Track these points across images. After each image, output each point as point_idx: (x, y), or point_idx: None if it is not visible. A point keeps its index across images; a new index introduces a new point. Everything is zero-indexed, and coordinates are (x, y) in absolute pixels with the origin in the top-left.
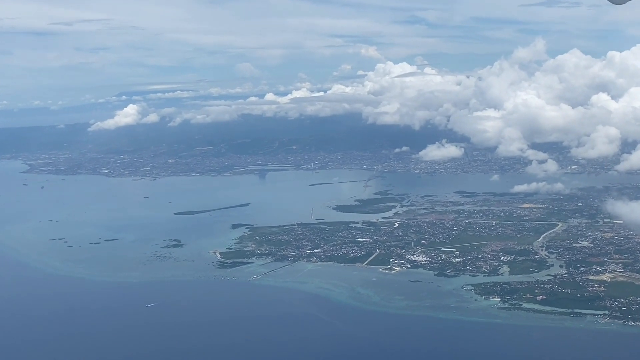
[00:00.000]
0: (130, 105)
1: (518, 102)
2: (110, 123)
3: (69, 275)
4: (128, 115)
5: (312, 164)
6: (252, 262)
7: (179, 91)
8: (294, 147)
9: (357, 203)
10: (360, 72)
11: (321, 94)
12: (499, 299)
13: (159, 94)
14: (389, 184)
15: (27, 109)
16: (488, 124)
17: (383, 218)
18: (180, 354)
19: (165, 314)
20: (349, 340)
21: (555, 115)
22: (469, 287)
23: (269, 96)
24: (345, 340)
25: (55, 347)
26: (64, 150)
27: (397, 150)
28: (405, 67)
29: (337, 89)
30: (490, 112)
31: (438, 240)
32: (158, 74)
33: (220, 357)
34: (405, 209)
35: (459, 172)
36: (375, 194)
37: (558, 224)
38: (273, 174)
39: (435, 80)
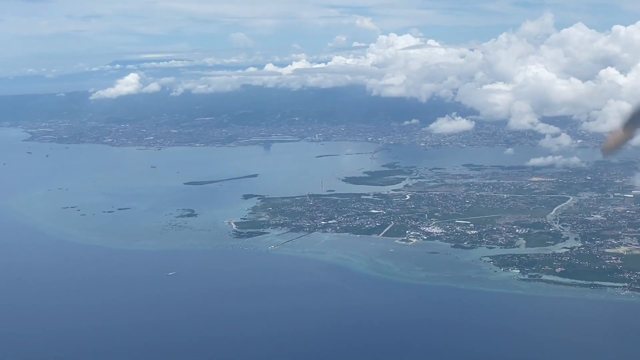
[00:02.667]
0: (132, 74)
1: (528, 76)
2: (111, 92)
3: (87, 243)
4: (129, 84)
5: (316, 135)
6: (268, 233)
7: (173, 60)
8: (296, 119)
9: (365, 175)
10: (355, 44)
11: (322, 65)
12: (518, 271)
13: (153, 63)
14: (396, 156)
15: (22, 76)
16: (498, 97)
17: (393, 190)
18: (204, 321)
19: (186, 283)
20: (372, 310)
21: (565, 89)
22: (487, 258)
23: (269, 67)
24: (367, 309)
25: (79, 314)
26: (64, 118)
27: (406, 122)
28: (409, 39)
29: (338, 60)
30: (500, 86)
31: (451, 213)
32: (150, 42)
33: (244, 325)
34: (414, 181)
35: (464, 145)
36: (383, 166)
37: (569, 198)
38: (278, 145)
39: (439, 53)
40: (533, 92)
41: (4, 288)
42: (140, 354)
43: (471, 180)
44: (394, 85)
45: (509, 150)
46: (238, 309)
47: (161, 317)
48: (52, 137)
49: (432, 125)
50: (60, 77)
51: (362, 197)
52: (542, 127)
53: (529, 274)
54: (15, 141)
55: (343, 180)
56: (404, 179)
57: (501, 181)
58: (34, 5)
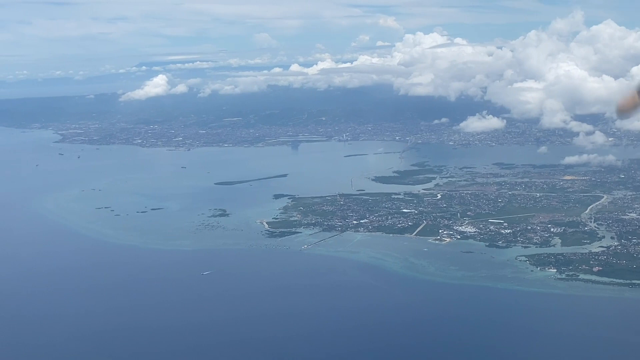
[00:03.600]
0: (160, 75)
1: (560, 73)
2: (140, 93)
3: (122, 243)
4: (158, 85)
5: (343, 135)
6: (301, 232)
7: (198, 62)
8: (323, 119)
9: (395, 174)
10: (379, 43)
11: (348, 64)
12: (555, 270)
13: (178, 65)
14: (425, 155)
15: (51, 79)
16: (529, 95)
17: (424, 189)
18: (243, 321)
19: (221, 282)
20: (409, 309)
21: (597, 87)
22: (523, 258)
23: (295, 67)
24: (404, 308)
25: (121, 314)
26: (94, 120)
27: (435, 121)
28: (436, 38)
29: (364, 60)
30: (531, 84)
31: (484, 212)
32: (175, 44)
33: (283, 325)
34: (445, 180)
35: (494, 144)
36: (412, 165)
37: (603, 196)
38: (305, 145)
39: (466, 51)
40: (565, 90)
41: (47, 289)
42: (181, 353)
43: (502, 179)
44: (422, 84)
45: (543, 149)
46: (276, 308)
47: (200, 316)
48: (82, 138)
49: (462, 124)
50: (88, 79)
51: (392, 196)
52: (574, 125)
53: (566, 273)
54: (46, 143)
55: (373, 179)
56: (434, 178)
57: (533, 180)
58: (60, 8)
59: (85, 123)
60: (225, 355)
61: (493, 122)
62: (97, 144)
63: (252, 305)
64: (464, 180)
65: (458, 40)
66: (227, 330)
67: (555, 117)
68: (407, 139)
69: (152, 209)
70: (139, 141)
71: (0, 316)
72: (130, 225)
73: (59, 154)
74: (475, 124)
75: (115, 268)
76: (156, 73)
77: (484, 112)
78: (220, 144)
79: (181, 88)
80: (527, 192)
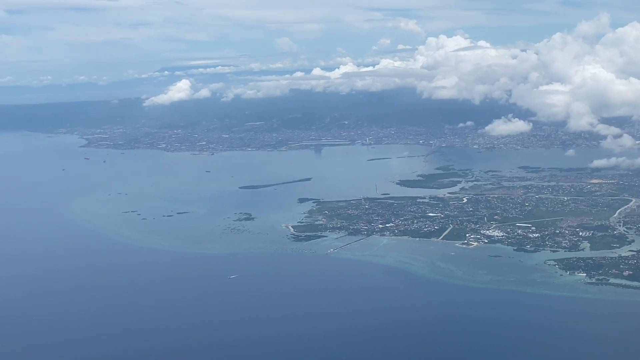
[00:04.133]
0: (183, 80)
1: (586, 76)
2: (164, 98)
3: (149, 247)
4: (181, 90)
5: (367, 139)
6: (326, 236)
7: (220, 66)
8: (345, 122)
9: (420, 178)
10: (400, 47)
11: (370, 68)
12: (585, 274)
13: (200, 69)
14: (449, 159)
15: (75, 84)
16: (555, 98)
17: (450, 193)
18: (271, 323)
19: (249, 286)
20: (437, 313)
21: (624, 89)
22: (552, 262)
23: (317, 71)
24: (432, 312)
25: (152, 315)
26: (118, 125)
27: (460, 125)
28: (459, 41)
29: (386, 63)
30: (557, 86)
31: (511, 216)
32: (196, 49)
33: (309, 327)
34: (470, 184)
35: (519, 147)
36: (437, 169)
37: (632, 200)
38: (328, 149)
39: (490, 54)
40: (591, 92)
41: (79, 292)
42: (212, 355)
43: (529, 182)
44: (446, 87)
45: (570, 152)
46: (305, 311)
47: (225, 320)
48: (107, 143)
49: (487, 127)
50: (112, 84)
51: (417, 200)
52: (601, 129)
53: (596, 277)
54: (72, 147)
55: (397, 183)
56: (459, 182)
57: (560, 183)
58: (83, 14)
59: (110, 128)
60: (255, 356)
61: (519, 125)
62: (122, 149)
63: (281, 307)
64: (490, 184)
65: (481, 43)
66: (256, 332)
67: (582, 120)
68: (431, 142)
69: (178, 213)
70: (163, 145)
71: (32, 316)
72: (157, 229)
73: (85, 158)
74: (501, 127)
75: (143, 271)
76: (178, 78)
77: (510, 115)
78: (244, 148)
79: (204, 93)
80: (554, 195)
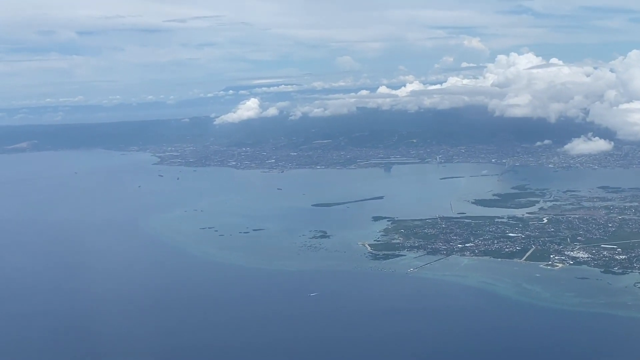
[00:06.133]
0: (252, 99)
1: None
2: (233, 116)
3: (229, 263)
4: (250, 109)
5: (437, 157)
6: (405, 255)
7: (283, 85)
8: (414, 141)
9: (496, 197)
10: (464, 64)
11: (437, 86)
12: None
13: (264, 88)
14: (524, 178)
15: (144, 103)
16: (637, 117)
17: (528, 213)
18: (357, 343)
19: (329, 304)
20: (527, 336)
21: None
22: None
23: (383, 89)
24: (522, 335)
25: (238, 331)
26: (188, 143)
27: (538, 143)
28: (531, 58)
29: (455, 81)
30: (638, 105)
31: (595, 237)
32: (259, 68)
33: (392, 348)
34: (549, 204)
35: (597, 167)
36: (513, 188)
37: None
38: (398, 167)
39: (563, 72)
40: None
41: (162, 305)
42: None
43: (610, 203)
44: (519, 105)
45: None
46: (382, 331)
47: (305, 338)
48: (179, 160)
49: (567, 146)
50: (179, 103)
51: (495, 220)
52: None
53: None
54: (145, 165)
55: (472, 202)
56: (537, 202)
57: None
58: (151, 35)
59: (181, 145)
60: None
61: (600, 144)
62: (193, 166)
63: (366, 327)
64: (569, 204)
65: (553, 60)
66: (339, 352)
67: None
68: (504, 161)
69: (253, 230)
70: (233, 163)
71: (119, 329)
72: (234, 245)
73: (159, 175)
74: (581, 146)
75: (226, 286)
76: (243, 97)
77: (590, 134)
78: (312, 166)
79: (272, 111)
80: (638, 216)
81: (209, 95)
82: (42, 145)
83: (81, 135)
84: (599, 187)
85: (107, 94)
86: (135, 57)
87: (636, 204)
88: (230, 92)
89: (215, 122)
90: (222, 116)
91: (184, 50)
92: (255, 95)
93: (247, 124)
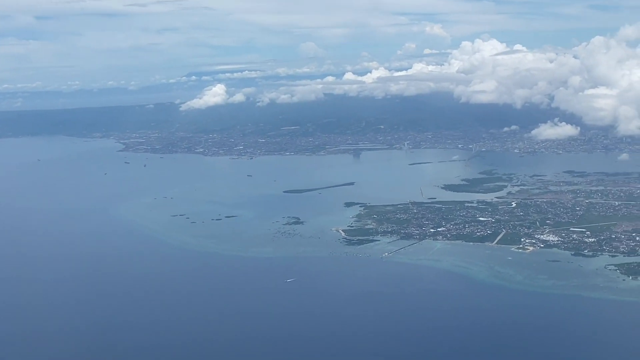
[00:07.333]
0: (218, 85)
1: (634, 80)
2: (199, 102)
3: (204, 250)
4: (217, 95)
5: (405, 143)
6: (379, 240)
7: (247, 71)
8: (381, 127)
9: (464, 182)
10: (427, 51)
11: (403, 73)
12: None
13: (227, 74)
14: (491, 163)
15: (105, 88)
16: (602, 102)
17: (497, 197)
18: (331, 327)
19: (306, 289)
20: (503, 318)
21: None
22: (612, 267)
23: (349, 75)
24: (498, 317)
25: (217, 320)
26: (153, 129)
27: (505, 129)
28: (495, 45)
29: (420, 68)
30: (603, 90)
31: (563, 220)
32: (222, 54)
33: (371, 331)
34: (517, 188)
35: (561, 152)
36: (480, 173)
37: None
38: (367, 154)
39: (527, 58)
40: (639, 96)
41: (143, 298)
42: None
43: (576, 187)
44: (485, 91)
45: (624, 156)
46: (363, 315)
47: (285, 324)
48: (145, 147)
49: (534, 132)
50: (142, 89)
51: (465, 204)
52: None
53: None
54: (110, 151)
55: (442, 187)
56: (505, 186)
57: (608, 188)
58: (110, 20)
59: (146, 132)
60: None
61: (566, 130)
62: (160, 153)
63: (345, 311)
64: (537, 188)
65: (518, 46)
66: (322, 335)
67: (631, 124)
68: (470, 146)
69: (226, 217)
70: (201, 150)
71: (91, 319)
72: (208, 233)
73: (125, 162)
74: (548, 131)
75: (202, 274)
76: (206, 83)
77: (556, 120)
78: (281, 152)
79: (239, 97)
80: (604, 200)
81: (171, 81)
82: (1, 132)
83: (42, 122)
84: (564, 172)
85: (66, 79)
86: (95, 42)
87: (602, 187)
88: (193, 78)
89: (181, 109)
90: (188, 102)
91: (145, 35)
92: (219, 81)
93: (213, 110)
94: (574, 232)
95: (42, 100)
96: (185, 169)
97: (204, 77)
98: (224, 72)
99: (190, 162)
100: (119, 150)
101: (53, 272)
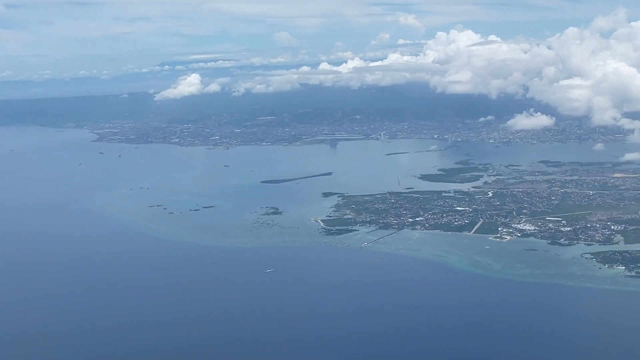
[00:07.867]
0: (193, 74)
1: (607, 71)
2: (174, 92)
3: (182, 241)
4: (191, 84)
5: (381, 133)
6: (357, 230)
7: (220, 61)
8: (358, 117)
9: (441, 172)
10: (400, 41)
11: (379, 63)
12: (624, 267)
13: (201, 64)
14: (467, 153)
15: (77, 78)
16: (576, 93)
17: (474, 187)
18: (311, 317)
19: (286, 279)
20: (482, 307)
21: None
22: (588, 255)
23: (324, 65)
24: (477, 306)
25: (193, 309)
26: (127, 119)
27: (481, 119)
28: (470, 35)
29: (396, 58)
30: (577, 81)
31: (539, 210)
32: (195, 43)
33: (351, 321)
34: (493, 178)
35: (536, 142)
36: (456, 163)
37: None
38: (344, 144)
39: (502, 49)
40: (613, 87)
41: (125, 286)
42: (266, 349)
43: (551, 176)
44: (460, 82)
45: (598, 146)
46: (343, 305)
47: (265, 314)
48: (119, 137)
49: (510, 122)
50: (114, 79)
51: (443, 194)
52: (625, 122)
53: (635, 270)
54: (84, 142)
55: (419, 177)
56: (481, 176)
57: (583, 177)
58: (81, 9)
59: (120, 122)
60: (303, 348)
61: (542, 120)
62: (134, 143)
63: (319, 301)
64: (512, 178)
65: (492, 37)
66: (302, 326)
67: (605, 114)
68: (446, 137)
69: (204, 207)
70: (176, 140)
71: (64, 315)
72: (186, 223)
73: (100, 152)
74: (524, 121)
75: (181, 265)
76: (180, 72)
77: (531, 110)
78: (258, 142)
79: (214, 87)
80: (579, 189)
81: (144, 70)
82: None
83: (13, 112)
84: (539, 162)
85: (37, 68)
86: (66, 31)
87: (576, 177)
88: (166, 67)
89: (155, 98)
90: (162, 92)
91: (117, 24)
92: (192, 70)
93: (188, 100)
94: (550, 221)
95: (13, 89)
96: (161, 160)
97: (178, 67)
98: (197, 61)
99: (166, 152)
100: (93, 141)
101: (26, 266)
